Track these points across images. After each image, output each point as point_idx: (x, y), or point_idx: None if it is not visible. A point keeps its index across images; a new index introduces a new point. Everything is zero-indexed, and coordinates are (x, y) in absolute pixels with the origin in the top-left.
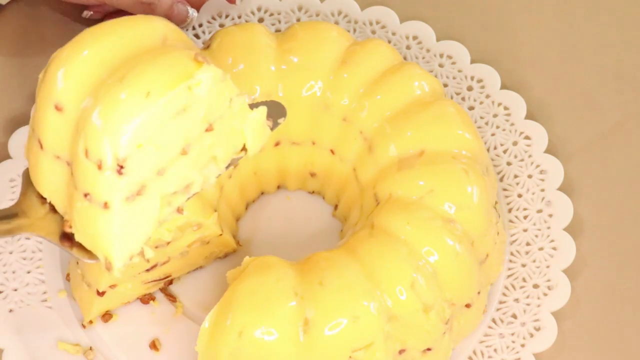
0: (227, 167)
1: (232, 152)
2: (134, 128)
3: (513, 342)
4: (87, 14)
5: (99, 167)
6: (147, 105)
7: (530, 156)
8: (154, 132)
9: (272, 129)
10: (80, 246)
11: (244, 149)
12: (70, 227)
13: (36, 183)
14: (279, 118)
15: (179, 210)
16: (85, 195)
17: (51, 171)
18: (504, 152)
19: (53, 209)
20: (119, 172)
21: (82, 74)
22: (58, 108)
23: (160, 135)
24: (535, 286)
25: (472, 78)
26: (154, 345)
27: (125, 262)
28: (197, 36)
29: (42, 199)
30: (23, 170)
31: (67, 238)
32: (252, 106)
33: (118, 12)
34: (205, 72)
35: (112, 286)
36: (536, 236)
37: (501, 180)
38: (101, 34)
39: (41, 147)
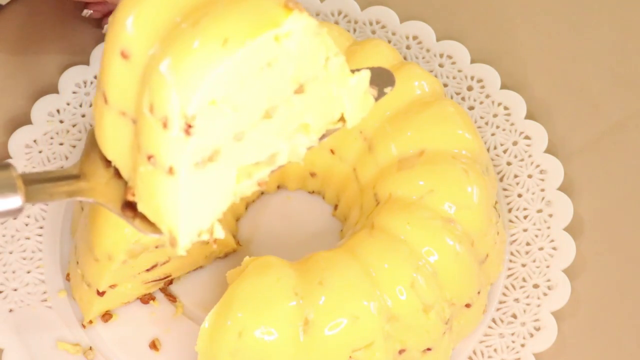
0: (321, 139)
1: (327, 121)
2: (207, 81)
3: (513, 342)
4: (87, 12)
5: (165, 125)
6: (223, 56)
7: (530, 156)
8: (231, 88)
9: (377, 99)
10: (144, 218)
11: (342, 119)
12: (134, 195)
13: (100, 143)
14: (385, 87)
15: (261, 185)
16: (149, 157)
17: (116, 130)
18: (504, 152)
19: (117, 174)
20: (187, 132)
21: (154, 18)
22: (124, 55)
23: (238, 93)
24: (535, 286)
25: (472, 78)
26: (154, 345)
27: (193, 239)
28: None
29: (107, 162)
30: (89, 129)
31: (130, 208)
32: (353, 71)
33: None
34: (297, 21)
35: (112, 286)
36: (536, 236)
37: (501, 180)
38: None
39: (106, 101)
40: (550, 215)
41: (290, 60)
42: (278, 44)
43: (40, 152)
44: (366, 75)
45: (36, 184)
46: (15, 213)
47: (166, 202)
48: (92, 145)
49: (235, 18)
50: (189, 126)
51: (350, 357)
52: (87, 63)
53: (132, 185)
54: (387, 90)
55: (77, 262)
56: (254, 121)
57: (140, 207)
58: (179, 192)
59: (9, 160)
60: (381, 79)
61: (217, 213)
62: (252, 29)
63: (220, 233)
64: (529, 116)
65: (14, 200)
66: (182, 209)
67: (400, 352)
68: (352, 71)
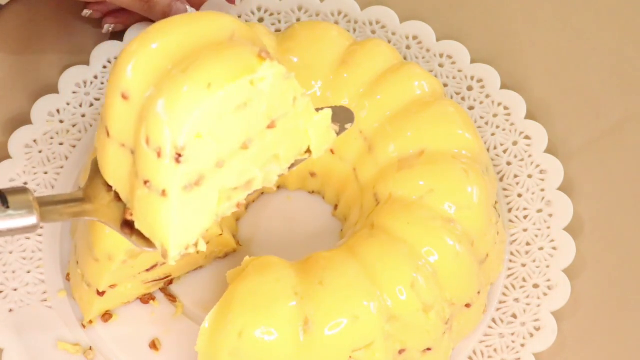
0: (290, 168)
1: (296, 152)
2: (194, 118)
3: (513, 342)
4: (87, 12)
5: (159, 154)
6: (207, 97)
7: (530, 156)
8: (213, 124)
9: (338, 133)
10: (140, 235)
11: (308, 151)
12: (132, 215)
13: (103, 170)
14: (346, 123)
15: (239, 206)
16: (145, 182)
17: (116, 159)
18: (504, 152)
19: (117, 197)
20: (177, 161)
21: (149, 65)
22: (124, 97)
23: (220, 127)
24: (535, 286)
25: (472, 78)
26: (154, 345)
27: (181, 252)
28: None
29: (108, 187)
30: (92, 159)
31: (128, 226)
32: (318, 110)
33: (118, 11)
34: (268, 68)
35: (112, 286)
36: (536, 236)
37: (501, 180)
38: (170, 28)
39: (108, 134)
40: (550, 215)
41: (263, 100)
42: (253, 87)
43: (40, 152)
44: (328, 112)
45: (49, 206)
46: (31, 230)
47: (159, 220)
48: (95, 172)
49: (218, 66)
50: (179, 155)
51: (350, 357)
52: (87, 63)
53: (130, 207)
54: (347, 126)
55: (77, 262)
56: (233, 151)
57: (137, 225)
58: (171, 211)
59: (9, 161)
60: (342, 117)
61: (201, 230)
62: (231, 74)
63: (203, 247)
64: (529, 116)
65: (31, 219)
66: (173, 226)
67: (400, 352)
68: (317, 110)
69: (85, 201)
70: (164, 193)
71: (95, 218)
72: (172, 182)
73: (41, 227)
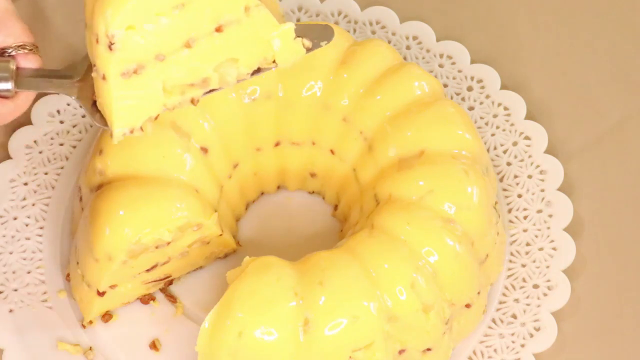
0: (253, 74)
1: (257, 60)
2: (125, 10)
3: (513, 342)
4: None
5: (97, 41)
6: None
7: (530, 156)
8: (148, 18)
9: (311, 49)
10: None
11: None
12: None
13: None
14: (321, 40)
15: (193, 102)
16: (93, 66)
17: (89, 42)
18: (504, 152)
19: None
20: (110, 48)
21: None
22: None
23: (156, 22)
24: (535, 286)
25: (472, 78)
26: (154, 345)
27: (125, 132)
28: None
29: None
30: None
31: (95, 106)
32: (302, 27)
33: None
34: None
35: (112, 286)
36: (536, 236)
37: (501, 180)
38: None
39: (86, 25)
40: (550, 216)
41: (205, 3)
42: None
43: (40, 152)
44: (290, 26)
45: (30, 77)
46: (6, 94)
47: (105, 101)
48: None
49: None
50: (111, 43)
51: (350, 357)
52: None
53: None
54: (322, 43)
55: (77, 263)
56: (174, 48)
57: (98, 105)
58: (112, 94)
59: (9, 161)
60: (318, 34)
61: (146, 115)
62: None
63: (149, 129)
64: (529, 116)
65: (6, 85)
66: (115, 108)
67: (400, 352)
68: (300, 29)
69: (65, 78)
70: (104, 77)
71: (67, 94)
72: (108, 68)
73: (16, 92)
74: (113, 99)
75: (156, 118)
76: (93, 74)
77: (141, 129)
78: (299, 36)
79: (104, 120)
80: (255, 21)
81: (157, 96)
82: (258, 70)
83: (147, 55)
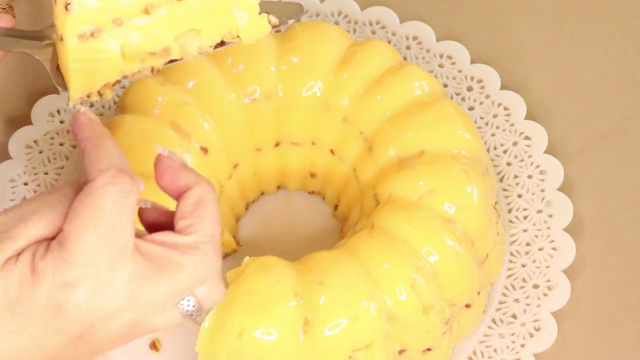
0: (217, 47)
1: (220, 33)
2: None
3: (513, 342)
4: None
5: (55, 1)
6: None
7: (530, 156)
8: None
9: (278, 25)
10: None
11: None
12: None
13: None
14: (289, 18)
15: (153, 70)
16: (54, 26)
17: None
18: (504, 152)
19: None
20: (67, 9)
21: None
22: None
23: None
24: (535, 286)
25: (472, 78)
26: (154, 346)
27: (82, 96)
28: None
29: None
30: None
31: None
32: (272, 4)
33: None
34: None
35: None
36: (536, 236)
37: (501, 180)
38: None
39: None
40: (550, 216)
41: None
42: None
43: (40, 152)
44: (253, 1)
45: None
46: None
47: (62, 63)
48: None
49: None
50: (68, 3)
51: (350, 357)
52: None
53: None
54: (290, 22)
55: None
56: (132, 13)
57: (59, 66)
58: (68, 56)
59: (9, 161)
60: (286, 11)
61: (103, 81)
62: None
63: (109, 95)
64: (529, 116)
65: None
66: (72, 70)
67: (400, 352)
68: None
69: (35, 39)
70: (61, 38)
71: (32, 54)
72: (65, 29)
73: None
74: (69, 61)
75: (114, 84)
76: (53, 36)
77: (100, 94)
78: (266, 12)
79: (65, 84)
80: None
81: (115, 62)
82: (222, 44)
83: (104, 18)
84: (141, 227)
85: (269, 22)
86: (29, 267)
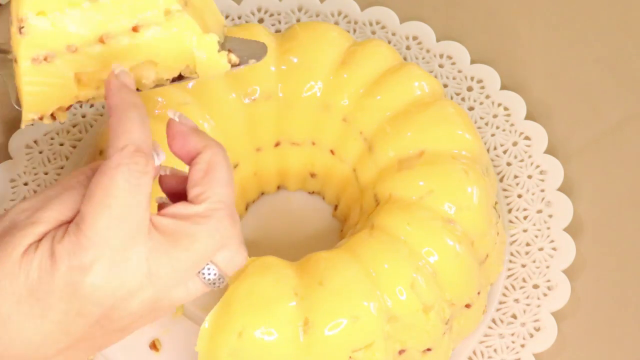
0: (174, 81)
1: (178, 67)
2: None
3: (513, 342)
4: None
5: (11, 22)
6: None
7: (530, 157)
8: (59, 6)
9: (237, 65)
10: None
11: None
12: None
13: None
14: (250, 58)
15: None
16: (11, 47)
17: None
18: (504, 152)
19: None
20: (20, 32)
21: None
22: None
23: (68, 13)
24: (535, 286)
25: (472, 78)
26: (154, 346)
27: (34, 118)
28: None
29: None
30: None
31: None
32: (236, 41)
33: None
34: None
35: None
36: (536, 236)
37: (501, 180)
38: None
39: None
40: (550, 216)
41: (119, 1)
42: None
43: (40, 152)
44: (212, 37)
45: None
46: None
47: (17, 84)
48: None
49: None
50: (21, 27)
51: (350, 357)
52: None
53: None
54: (251, 61)
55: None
56: (88, 41)
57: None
58: (22, 78)
59: (9, 161)
60: (249, 50)
61: (57, 104)
62: None
63: (62, 118)
64: (529, 117)
65: None
66: (25, 92)
67: (400, 352)
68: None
69: (2, 52)
70: (16, 60)
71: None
72: (19, 51)
73: None
74: (22, 83)
75: (68, 108)
76: (9, 56)
77: (53, 117)
78: (229, 49)
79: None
80: (177, 27)
81: (69, 87)
82: (180, 78)
83: (59, 44)
84: (163, 195)
85: (229, 61)
86: (48, 251)
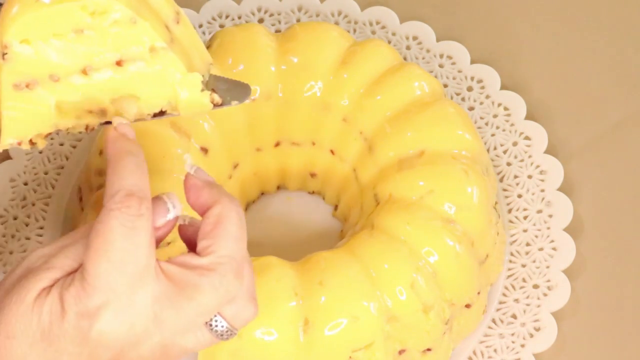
0: (155, 116)
1: (160, 103)
2: (19, 23)
3: (513, 342)
4: None
5: None
6: (34, 8)
7: (530, 156)
8: (43, 36)
9: (220, 105)
10: None
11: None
12: None
13: None
14: (233, 100)
15: (87, 129)
16: None
17: None
18: (504, 152)
19: None
20: (3, 57)
21: None
22: None
23: (52, 43)
24: (535, 286)
25: (472, 78)
26: None
27: (13, 143)
28: None
29: None
30: None
31: None
32: (221, 80)
33: None
34: (103, 2)
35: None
36: (536, 236)
37: (501, 180)
38: None
39: None
40: (550, 216)
41: (106, 35)
42: (91, 17)
43: (40, 152)
44: (195, 77)
45: None
46: None
47: None
48: None
49: None
50: (4, 53)
51: (350, 357)
52: None
53: None
54: (234, 102)
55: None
56: (69, 72)
57: None
58: (1, 102)
59: (9, 161)
60: (232, 92)
61: (36, 131)
62: None
63: (41, 145)
64: (529, 117)
65: None
66: (4, 116)
67: (400, 352)
68: (212, 79)
69: None
70: None
71: None
72: (1, 76)
73: None
74: (3, 108)
75: (47, 136)
76: None
77: (32, 143)
78: (212, 89)
79: None
80: (161, 64)
81: (49, 115)
82: (162, 113)
83: (41, 72)
84: (183, 245)
85: (212, 101)
86: (58, 297)
